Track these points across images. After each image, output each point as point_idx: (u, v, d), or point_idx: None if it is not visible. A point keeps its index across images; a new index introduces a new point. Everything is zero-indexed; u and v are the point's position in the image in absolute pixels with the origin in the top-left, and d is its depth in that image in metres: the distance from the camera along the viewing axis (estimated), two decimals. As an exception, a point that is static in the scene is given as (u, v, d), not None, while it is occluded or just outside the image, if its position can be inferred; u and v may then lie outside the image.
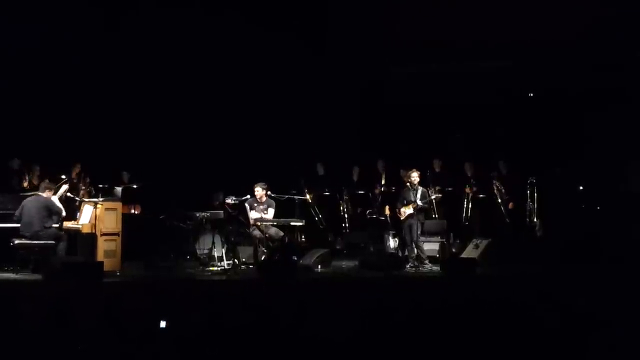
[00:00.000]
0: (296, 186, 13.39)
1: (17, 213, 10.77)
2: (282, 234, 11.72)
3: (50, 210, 10.70)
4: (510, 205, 13.40)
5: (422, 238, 12.19)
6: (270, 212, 11.92)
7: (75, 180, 12.97)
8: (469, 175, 13.77)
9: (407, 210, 11.98)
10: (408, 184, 12.16)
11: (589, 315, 7.36)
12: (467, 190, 13.63)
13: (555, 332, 6.81)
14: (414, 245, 11.99)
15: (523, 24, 13.48)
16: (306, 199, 13.40)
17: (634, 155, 14.13)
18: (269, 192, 11.98)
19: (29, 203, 10.71)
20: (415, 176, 12.09)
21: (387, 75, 15.83)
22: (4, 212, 11.20)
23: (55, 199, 10.97)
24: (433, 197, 12.19)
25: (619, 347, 6.31)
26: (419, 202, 11.94)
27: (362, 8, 13.90)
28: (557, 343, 6.47)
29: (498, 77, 15.06)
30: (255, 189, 11.85)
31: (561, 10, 13.23)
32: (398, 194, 12.47)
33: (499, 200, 13.49)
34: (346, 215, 14.36)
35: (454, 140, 14.65)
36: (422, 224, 12.13)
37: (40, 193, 10.86)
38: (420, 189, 12.07)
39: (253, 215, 11.69)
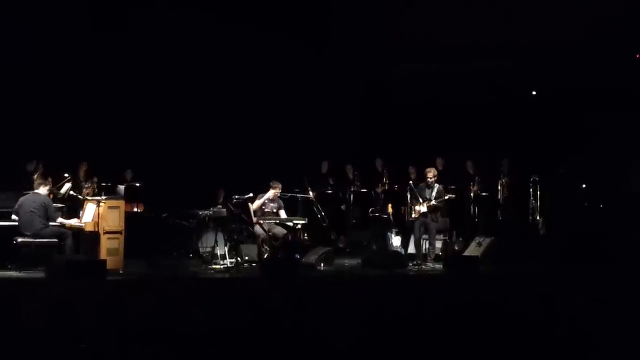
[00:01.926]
0: (299, 184, 13.37)
1: (14, 210, 10.73)
2: (285, 232, 11.74)
3: (47, 209, 10.67)
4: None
5: (424, 236, 12.24)
6: (282, 213, 11.96)
7: (82, 181, 12.97)
8: (472, 173, 13.77)
9: (421, 208, 12.00)
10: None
11: (591, 314, 7.35)
12: (471, 188, 13.63)
13: (555, 331, 6.81)
14: (424, 244, 12.05)
15: (525, 23, 13.47)
16: (309, 197, 13.37)
17: (636, 155, 14.11)
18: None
19: (27, 201, 10.67)
20: (431, 175, 12.11)
21: (389, 74, 15.86)
22: (6, 210, 11.20)
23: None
24: (447, 197, 12.19)
25: (618, 346, 6.31)
26: (433, 201, 11.96)
27: (364, 7, 13.89)
28: (557, 342, 6.47)
29: (500, 75, 15.07)
30: (278, 188, 11.86)
31: (563, 10, 13.22)
32: (405, 192, 12.51)
33: (502, 198, 13.49)
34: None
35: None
36: (436, 222, 12.15)
37: (37, 191, 10.82)
38: (436, 187, 12.09)
39: (256, 206, 11.71)
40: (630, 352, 6.21)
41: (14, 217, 10.79)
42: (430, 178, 12.12)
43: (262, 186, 12.11)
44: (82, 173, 13.13)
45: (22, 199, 10.76)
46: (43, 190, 10.80)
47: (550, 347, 6.33)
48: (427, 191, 12.10)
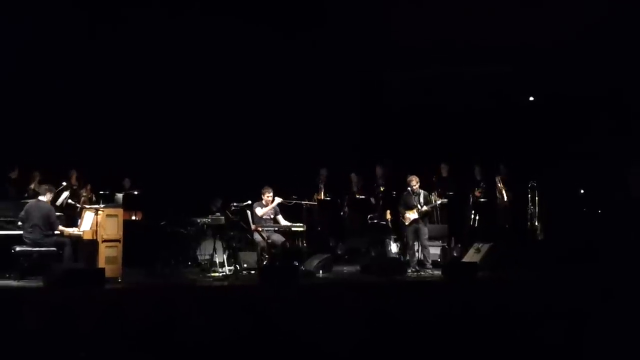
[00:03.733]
0: (298, 191, 13.31)
1: (21, 215, 10.73)
2: (283, 239, 11.73)
3: (49, 220, 10.65)
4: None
5: (415, 242, 12.25)
6: (281, 219, 11.96)
7: (75, 187, 12.99)
8: (479, 179, 13.77)
9: (411, 215, 12.05)
10: (409, 189, 12.22)
11: (588, 318, 7.36)
12: (477, 193, 13.64)
13: (554, 336, 6.81)
14: (419, 249, 12.07)
15: (523, 29, 13.50)
16: (313, 204, 13.34)
17: (635, 160, 14.11)
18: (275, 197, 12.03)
19: (32, 208, 10.66)
20: (414, 182, 12.15)
21: (388, 80, 15.90)
22: (5, 219, 11.21)
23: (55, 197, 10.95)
24: (439, 202, 12.19)
25: (617, 349, 6.31)
26: (424, 207, 11.99)
27: (363, 12, 13.91)
28: (556, 347, 6.47)
29: (499, 81, 15.10)
30: (269, 194, 11.85)
31: (560, 15, 13.24)
32: (399, 199, 12.55)
33: (504, 201, 13.46)
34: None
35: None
36: (426, 226, 12.17)
37: (41, 198, 10.81)
38: (422, 193, 12.13)
39: (260, 213, 11.72)
40: (629, 354, 6.21)
41: (19, 223, 10.80)
42: (415, 185, 12.17)
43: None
44: (72, 180, 13.14)
45: (27, 206, 10.74)
46: (46, 198, 10.78)
47: (548, 351, 6.34)
48: (415, 198, 12.13)
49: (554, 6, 13.23)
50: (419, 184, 12.25)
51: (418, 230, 12.08)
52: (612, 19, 13.14)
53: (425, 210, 12.09)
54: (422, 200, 12.10)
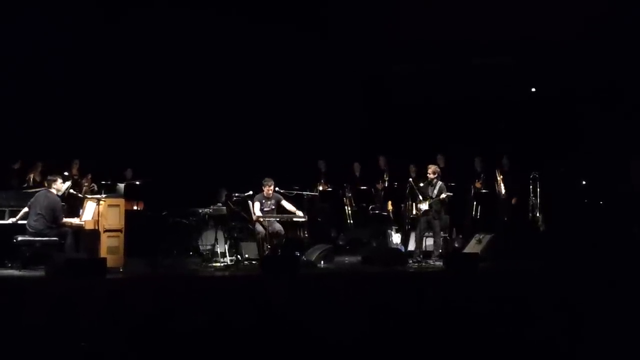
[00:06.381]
0: (299, 182, 13.31)
1: (28, 203, 10.73)
2: (283, 232, 11.72)
3: (54, 213, 10.66)
4: (514, 200, 13.39)
5: (427, 233, 12.25)
6: (286, 204, 11.93)
7: (76, 177, 13.00)
8: (479, 170, 13.76)
9: (423, 206, 12.02)
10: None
11: (589, 311, 7.36)
12: (478, 184, 13.63)
13: (555, 328, 6.82)
14: (426, 241, 12.07)
15: (526, 21, 13.49)
16: (315, 195, 13.34)
17: (636, 153, 14.10)
18: (276, 188, 12.01)
19: (40, 197, 10.66)
20: (430, 172, 12.13)
21: (390, 71, 15.88)
22: (7, 209, 11.21)
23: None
24: (443, 195, 12.16)
25: (617, 344, 6.32)
26: (433, 199, 11.99)
27: (365, 3, 13.89)
28: (557, 339, 6.48)
29: (500, 73, 15.09)
30: (268, 186, 11.83)
31: (563, 7, 13.22)
32: (402, 189, 12.54)
33: (502, 193, 13.47)
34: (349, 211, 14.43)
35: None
36: (440, 220, 12.13)
37: (50, 189, 10.79)
38: (438, 185, 12.10)
39: (258, 211, 11.70)
40: (630, 349, 6.22)
41: (25, 209, 10.80)
42: (430, 175, 12.14)
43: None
44: (74, 171, 13.16)
45: (36, 195, 10.74)
46: (54, 189, 10.77)
47: (549, 344, 6.34)
48: (430, 188, 12.13)
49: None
50: (436, 174, 12.18)
51: (430, 223, 12.05)
52: (615, 11, 13.13)
53: (434, 201, 12.04)
54: (436, 191, 12.08)
